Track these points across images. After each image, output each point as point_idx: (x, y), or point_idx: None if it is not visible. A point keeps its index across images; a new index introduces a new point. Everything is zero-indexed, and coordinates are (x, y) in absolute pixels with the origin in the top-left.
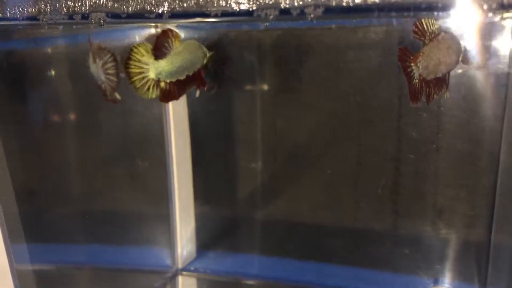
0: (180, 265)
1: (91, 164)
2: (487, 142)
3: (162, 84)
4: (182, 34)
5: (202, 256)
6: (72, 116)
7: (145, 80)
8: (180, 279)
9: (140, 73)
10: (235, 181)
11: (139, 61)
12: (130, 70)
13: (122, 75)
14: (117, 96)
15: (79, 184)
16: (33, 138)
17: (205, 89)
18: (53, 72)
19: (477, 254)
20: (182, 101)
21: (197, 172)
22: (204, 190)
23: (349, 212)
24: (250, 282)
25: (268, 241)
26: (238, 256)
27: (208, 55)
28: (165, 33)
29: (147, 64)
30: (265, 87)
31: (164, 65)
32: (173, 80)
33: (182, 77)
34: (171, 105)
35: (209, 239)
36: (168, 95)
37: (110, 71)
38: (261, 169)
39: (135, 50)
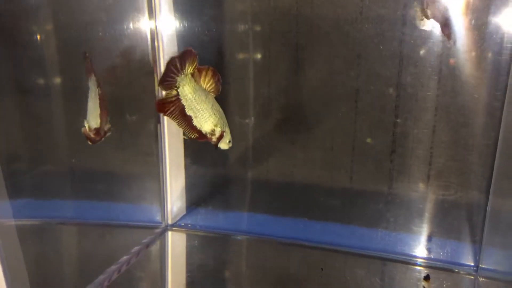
0: (170, 221)
1: (78, 120)
2: (488, 97)
3: (173, 92)
4: None
5: (192, 213)
6: (57, 72)
7: (172, 80)
8: (169, 234)
9: (173, 73)
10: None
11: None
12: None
13: None
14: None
15: (66, 141)
16: (18, 95)
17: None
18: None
19: (473, 214)
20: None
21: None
22: (194, 146)
23: (344, 172)
24: (240, 237)
25: (261, 200)
26: (229, 213)
27: (219, 130)
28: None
29: (179, 72)
30: (260, 41)
31: (189, 81)
32: (181, 101)
33: (187, 112)
34: (162, 58)
35: (199, 196)
36: (163, 103)
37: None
38: (254, 125)
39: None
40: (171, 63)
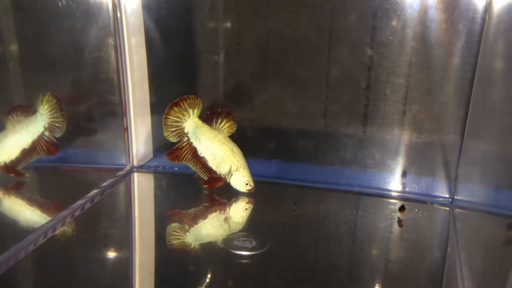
0: (135, 163)
1: (41, 64)
2: (463, 47)
3: (185, 139)
4: None
5: (159, 156)
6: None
7: (179, 127)
8: (135, 175)
9: (178, 120)
10: (195, 77)
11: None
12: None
13: None
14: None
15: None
16: None
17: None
18: None
19: (448, 154)
20: None
21: (153, 66)
22: (161, 88)
23: (318, 111)
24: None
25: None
26: None
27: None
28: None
29: (183, 118)
30: None
31: (197, 123)
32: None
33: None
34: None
35: (167, 140)
36: (173, 152)
37: None
38: (223, 62)
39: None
40: (169, 113)
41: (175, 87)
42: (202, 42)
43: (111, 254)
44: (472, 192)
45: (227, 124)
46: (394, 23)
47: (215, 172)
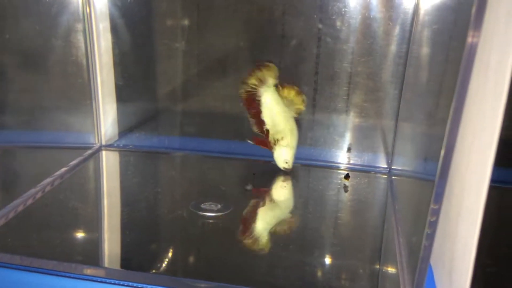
0: (103, 142)
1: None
2: (396, 41)
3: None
4: None
5: (125, 136)
6: None
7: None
8: (104, 153)
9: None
10: (157, 62)
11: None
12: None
13: None
14: None
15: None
16: None
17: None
18: None
19: (386, 134)
20: None
21: (118, 51)
22: (126, 79)
23: None
24: (174, 153)
25: (193, 125)
26: (162, 137)
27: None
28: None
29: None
30: None
31: (273, 93)
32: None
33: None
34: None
35: (132, 124)
36: (249, 99)
37: None
38: (185, 49)
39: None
40: (255, 75)
41: (138, 74)
42: (163, 30)
43: (82, 222)
44: (405, 162)
45: (296, 105)
46: (339, 16)
47: (267, 133)
